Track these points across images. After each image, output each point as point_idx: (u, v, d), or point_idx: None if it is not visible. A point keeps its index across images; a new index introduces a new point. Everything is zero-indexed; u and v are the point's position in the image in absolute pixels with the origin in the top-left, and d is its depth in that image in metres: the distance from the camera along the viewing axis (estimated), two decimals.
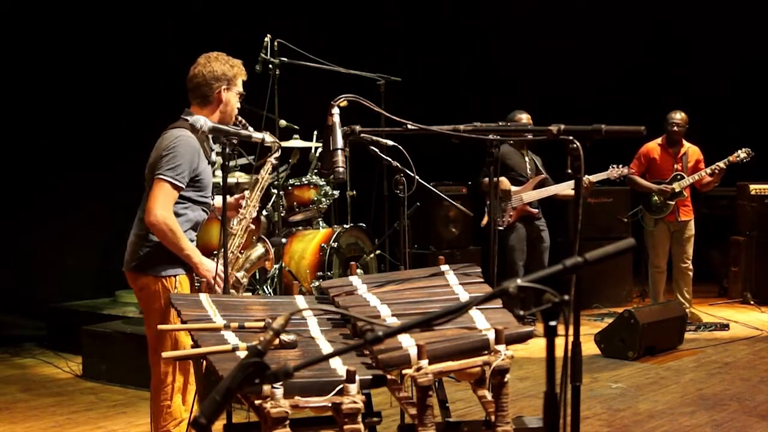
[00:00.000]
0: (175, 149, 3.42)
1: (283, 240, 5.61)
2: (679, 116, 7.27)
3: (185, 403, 3.51)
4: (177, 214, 3.46)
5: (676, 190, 7.26)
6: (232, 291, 3.59)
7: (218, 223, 4.01)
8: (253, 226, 3.78)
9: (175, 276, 3.48)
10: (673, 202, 7.29)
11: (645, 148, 7.43)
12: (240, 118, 3.71)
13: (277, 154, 3.80)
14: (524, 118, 6.71)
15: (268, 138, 3.65)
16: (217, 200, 3.66)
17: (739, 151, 7.12)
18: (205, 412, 1.68)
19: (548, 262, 7.07)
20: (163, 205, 3.38)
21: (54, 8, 6.87)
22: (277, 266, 5.71)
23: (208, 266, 3.48)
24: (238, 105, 3.68)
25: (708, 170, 7.20)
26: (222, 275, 3.49)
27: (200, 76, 3.57)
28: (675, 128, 7.26)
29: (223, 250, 3.38)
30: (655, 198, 7.33)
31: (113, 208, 7.02)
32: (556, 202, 7.12)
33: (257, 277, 5.76)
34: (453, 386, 4.66)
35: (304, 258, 5.99)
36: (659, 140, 7.39)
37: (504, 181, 6.79)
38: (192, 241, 3.56)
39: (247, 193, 3.79)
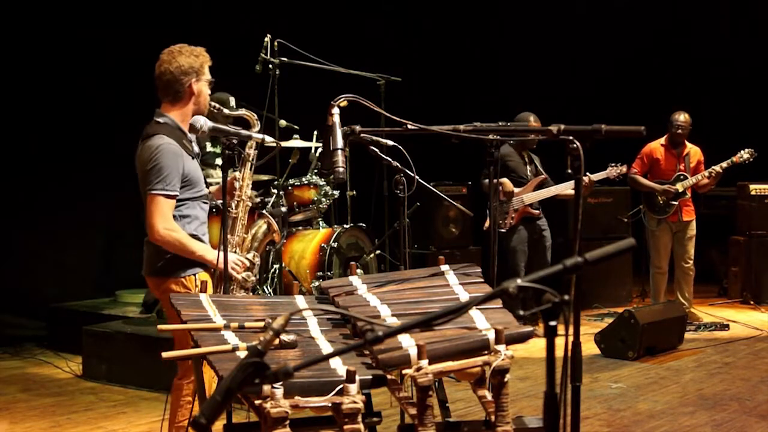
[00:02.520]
0: (158, 160, 3.40)
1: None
2: (683, 117, 7.26)
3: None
4: (182, 217, 3.47)
5: (680, 191, 7.26)
6: (248, 273, 3.62)
7: (217, 222, 4.03)
8: (250, 204, 3.78)
9: (194, 275, 3.50)
10: (676, 203, 7.29)
11: (648, 148, 7.42)
12: (215, 104, 3.71)
13: (257, 128, 3.80)
14: (532, 119, 6.71)
15: (268, 138, 3.66)
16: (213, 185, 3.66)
17: (742, 152, 7.12)
18: (205, 412, 1.68)
19: (549, 262, 7.08)
20: (162, 219, 3.39)
21: (54, 7, 6.87)
22: (277, 266, 5.72)
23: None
24: (209, 92, 3.64)
25: (706, 173, 7.21)
26: (238, 262, 3.56)
27: (168, 73, 3.51)
28: (679, 130, 7.25)
29: (222, 248, 3.38)
30: (658, 198, 7.33)
31: (113, 208, 7.05)
32: (557, 202, 7.12)
33: (257, 277, 5.75)
34: (453, 386, 4.66)
35: (304, 258, 5.99)
36: (662, 140, 7.38)
37: (507, 183, 6.80)
38: (204, 234, 3.59)
39: (237, 174, 3.79)
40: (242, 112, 3.86)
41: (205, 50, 3.63)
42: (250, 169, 3.78)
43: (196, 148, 3.67)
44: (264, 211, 3.95)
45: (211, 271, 3.56)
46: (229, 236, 3.68)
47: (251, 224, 3.85)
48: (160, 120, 3.51)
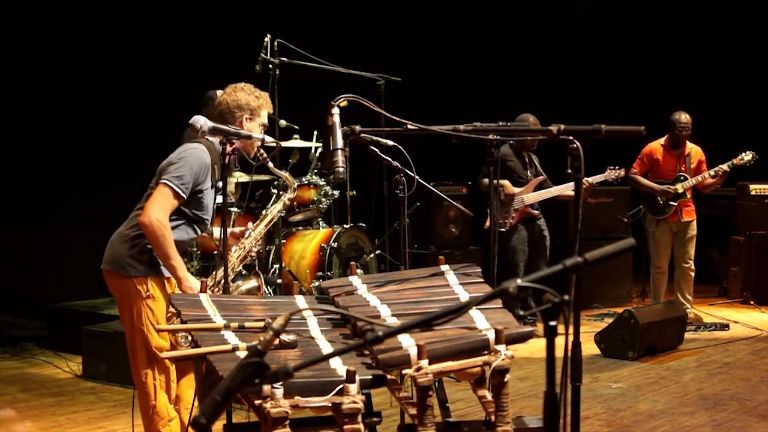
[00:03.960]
0: (184, 159, 3.45)
1: (279, 281, 5.60)
2: (684, 118, 7.24)
3: (172, 402, 3.51)
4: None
5: (679, 191, 7.25)
6: None
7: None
8: (253, 254, 3.80)
9: (146, 278, 3.49)
10: (676, 203, 7.28)
11: (648, 149, 7.41)
12: (263, 152, 3.71)
13: (291, 195, 3.86)
14: (531, 120, 6.72)
15: (268, 138, 3.67)
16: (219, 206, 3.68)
17: (743, 154, 7.11)
18: (205, 412, 1.68)
19: (549, 261, 7.09)
20: (160, 207, 3.39)
21: (54, 8, 6.87)
22: (277, 266, 5.71)
23: (192, 284, 3.45)
24: (261, 136, 3.68)
25: (711, 172, 7.19)
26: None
27: (224, 104, 3.65)
28: (679, 130, 7.23)
29: (222, 249, 3.38)
30: (658, 198, 7.32)
31: (113, 208, 7.01)
32: (557, 202, 7.13)
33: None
34: (453, 386, 4.66)
35: (304, 258, 5.99)
36: (662, 140, 7.37)
37: (507, 184, 6.82)
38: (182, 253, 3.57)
39: (251, 225, 3.81)
40: (284, 174, 3.85)
41: (269, 96, 3.74)
42: (264, 227, 3.81)
43: (221, 184, 3.68)
44: (259, 272, 3.96)
45: (165, 280, 3.54)
46: (216, 273, 3.67)
47: (244, 277, 3.85)
48: (210, 138, 3.55)
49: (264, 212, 3.89)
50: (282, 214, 3.88)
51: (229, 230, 3.71)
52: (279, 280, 5.64)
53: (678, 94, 9.17)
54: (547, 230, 7.10)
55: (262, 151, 3.69)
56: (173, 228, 3.47)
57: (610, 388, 5.41)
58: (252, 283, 3.85)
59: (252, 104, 3.64)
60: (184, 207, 3.48)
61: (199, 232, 3.64)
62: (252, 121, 3.65)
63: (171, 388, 3.50)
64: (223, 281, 3.48)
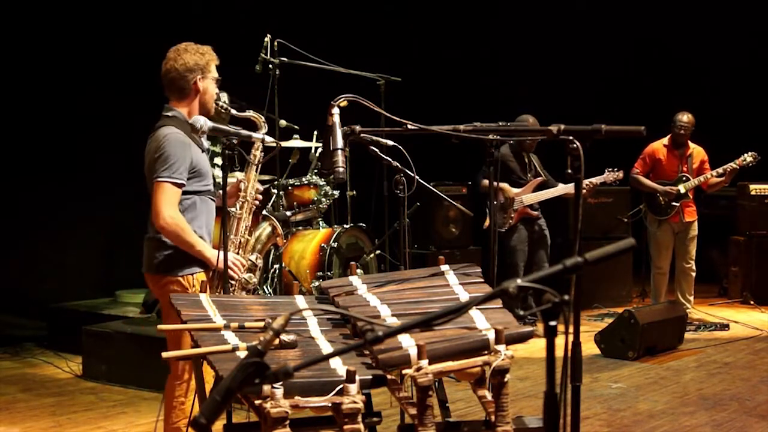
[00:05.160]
0: (165, 149, 3.42)
1: (288, 213, 5.58)
2: (686, 118, 7.24)
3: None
4: (186, 210, 3.47)
5: (681, 192, 7.24)
6: (249, 274, 3.63)
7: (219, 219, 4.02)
8: (258, 201, 3.78)
9: (192, 274, 3.50)
10: (678, 204, 7.28)
11: (650, 148, 7.41)
12: (224, 105, 3.70)
13: (264, 130, 3.81)
14: (531, 121, 6.71)
15: (268, 138, 3.66)
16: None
17: (746, 155, 7.10)
18: (205, 412, 1.68)
19: (549, 261, 7.09)
20: (168, 206, 3.39)
21: (54, 8, 6.87)
22: (277, 266, 5.72)
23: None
24: (216, 90, 3.66)
25: (719, 170, 7.16)
26: (237, 262, 3.54)
27: (173, 70, 3.54)
28: (682, 130, 7.22)
29: (223, 250, 3.38)
30: (660, 199, 7.31)
31: (113, 208, 7.04)
32: (557, 201, 7.12)
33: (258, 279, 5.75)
34: (453, 386, 4.66)
35: (304, 258, 5.99)
36: (665, 141, 7.36)
37: (506, 187, 6.82)
38: (210, 233, 3.57)
39: (241, 175, 3.79)
40: (250, 113, 3.83)
41: (211, 48, 3.65)
42: (256, 171, 3.79)
43: (206, 143, 3.68)
44: (268, 214, 3.94)
45: (209, 271, 3.56)
46: (231, 236, 3.68)
47: (255, 226, 3.84)
48: (169, 114, 3.53)
49: (248, 158, 3.84)
50: (262, 153, 3.81)
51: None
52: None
53: (678, 94, 9.18)
54: (547, 230, 7.10)
55: (223, 103, 3.68)
56: (191, 218, 3.48)
57: (610, 388, 5.41)
58: (267, 227, 3.84)
59: (200, 62, 3.56)
60: (189, 185, 3.48)
61: (213, 198, 3.64)
62: (205, 79, 3.58)
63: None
64: (222, 282, 3.48)
